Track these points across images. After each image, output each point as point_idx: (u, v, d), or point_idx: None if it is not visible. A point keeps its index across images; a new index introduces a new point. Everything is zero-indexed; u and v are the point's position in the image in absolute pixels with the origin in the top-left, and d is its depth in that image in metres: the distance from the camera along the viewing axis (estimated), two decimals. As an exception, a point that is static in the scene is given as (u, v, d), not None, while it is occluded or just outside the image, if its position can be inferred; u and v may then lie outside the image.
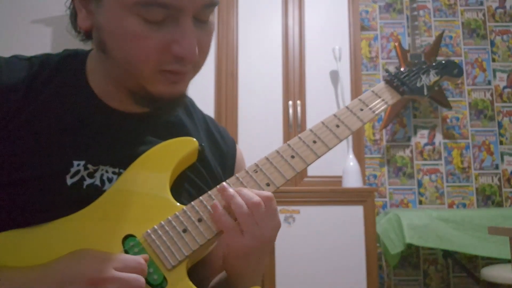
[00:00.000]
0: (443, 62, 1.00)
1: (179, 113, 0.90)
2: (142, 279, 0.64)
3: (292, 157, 0.81)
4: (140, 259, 0.66)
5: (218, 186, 0.77)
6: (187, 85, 0.79)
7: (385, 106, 0.89)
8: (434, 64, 1.00)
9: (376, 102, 0.90)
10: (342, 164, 2.60)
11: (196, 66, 0.78)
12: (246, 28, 2.89)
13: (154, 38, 0.69)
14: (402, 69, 0.96)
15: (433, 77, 0.98)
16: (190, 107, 0.95)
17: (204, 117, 0.98)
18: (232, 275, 0.80)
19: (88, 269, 0.62)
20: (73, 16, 0.79)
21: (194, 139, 0.82)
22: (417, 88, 0.95)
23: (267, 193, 0.74)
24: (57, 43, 3.09)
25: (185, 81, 0.77)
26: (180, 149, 0.80)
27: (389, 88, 0.93)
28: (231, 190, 0.73)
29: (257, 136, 2.73)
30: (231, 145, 0.98)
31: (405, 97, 0.93)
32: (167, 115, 0.86)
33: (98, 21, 0.73)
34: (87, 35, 0.81)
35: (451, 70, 1.00)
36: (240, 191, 0.73)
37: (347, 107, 0.88)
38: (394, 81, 0.94)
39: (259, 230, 0.72)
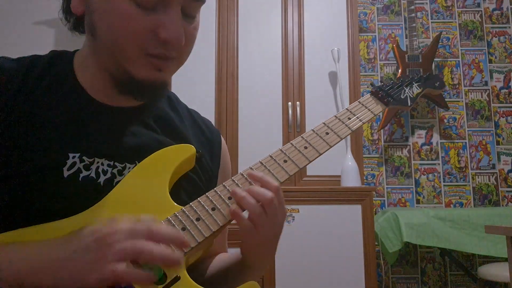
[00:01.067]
0: (425, 76, 1.06)
1: (165, 107, 0.93)
2: (148, 225, 0.66)
3: (285, 161, 0.85)
4: (152, 216, 0.71)
5: (216, 189, 0.80)
6: (169, 75, 0.82)
7: (371, 115, 0.96)
8: (416, 77, 1.05)
9: (363, 112, 0.96)
10: (340, 164, 2.62)
11: (180, 58, 0.81)
12: (246, 30, 2.91)
13: (143, 21, 0.73)
14: (387, 82, 1.02)
15: (416, 90, 1.04)
16: (174, 102, 0.98)
17: (189, 110, 1.01)
18: (247, 261, 0.86)
19: (97, 227, 0.65)
20: (66, 3, 0.83)
21: (192, 146, 0.85)
22: (401, 99, 1.02)
23: (275, 184, 0.79)
24: (59, 44, 3.11)
25: (168, 69, 0.80)
26: (178, 156, 0.83)
27: (375, 99, 1.00)
28: (242, 192, 0.78)
29: (257, 136, 2.76)
30: (216, 134, 1.02)
31: (390, 107, 0.99)
32: (149, 103, 0.89)
33: (90, 4, 0.76)
34: (76, 24, 0.85)
35: (433, 82, 1.06)
36: (252, 189, 0.78)
37: (335, 116, 0.94)
38: (379, 93, 1.00)
39: (271, 222, 0.77)
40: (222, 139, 1.04)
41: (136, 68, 0.77)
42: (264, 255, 0.85)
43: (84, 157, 0.76)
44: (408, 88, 1.03)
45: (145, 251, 0.64)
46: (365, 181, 3.44)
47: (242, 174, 0.83)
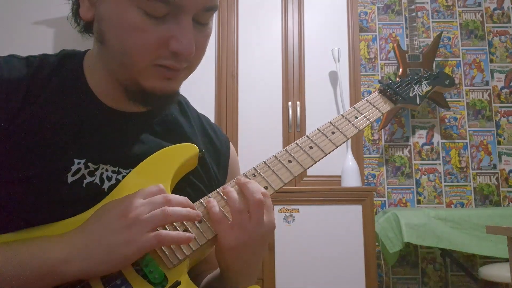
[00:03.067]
0: (435, 73, 1.04)
1: (174, 112, 0.92)
2: (165, 196, 0.71)
3: (290, 161, 0.84)
4: (157, 185, 0.73)
5: (218, 190, 0.79)
6: (180, 83, 0.81)
7: (379, 114, 0.93)
8: (426, 74, 1.03)
9: (370, 110, 0.94)
10: (341, 164, 2.62)
11: (190, 67, 0.79)
12: (247, 29, 2.91)
13: (154, 32, 0.71)
14: (397, 79, 0.99)
15: (425, 87, 1.01)
16: (184, 106, 0.96)
17: (199, 116, 1.00)
18: (224, 270, 0.82)
19: (116, 207, 0.69)
20: (75, 7, 0.81)
21: (195, 145, 0.84)
22: (409, 98, 0.99)
23: (262, 189, 0.77)
24: (59, 44, 3.09)
25: (178, 79, 0.79)
26: (181, 155, 0.82)
27: (383, 97, 0.97)
28: (230, 188, 0.77)
29: (257, 136, 2.75)
30: (225, 142, 1.00)
31: (398, 105, 0.97)
32: (159, 111, 0.88)
33: (99, 12, 0.74)
34: (86, 27, 0.83)
35: (443, 80, 1.04)
36: (247, 183, 0.76)
37: (342, 115, 0.91)
38: (387, 91, 0.98)
39: (252, 228, 0.74)
40: (231, 146, 1.02)
41: (145, 78, 0.75)
42: (241, 263, 0.80)
43: (89, 163, 0.75)
44: (417, 85, 1.01)
45: (171, 214, 0.69)
46: (365, 181, 3.44)
47: (245, 175, 0.82)
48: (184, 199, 0.73)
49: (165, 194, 0.71)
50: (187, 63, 0.77)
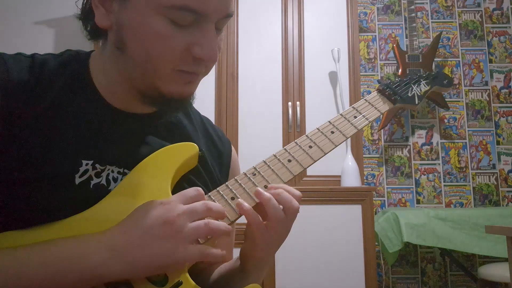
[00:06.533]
0: (434, 73, 1.05)
1: (178, 114, 0.93)
2: (206, 204, 0.72)
3: (289, 161, 0.84)
4: (196, 188, 0.74)
5: (219, 189, 0.80)
6: (196, 86, 0.82)
7: (378, 114, 0.94)
8: (424, 75, 1.04)
9: (369, 110, 0.95)
10: (340, 164, 2.61)
11: (207, 70, 0.81)
12: (247, 30, 2.90)
13: (178, 39, 0.72)
14: (396, 79, 1.00)
15: (423, 87, 1.02)
16: (188, 108, 0.97)
17: (201, 118, 1.00)
18: (247, 266, 0.85)
19: (160, 212, 0.68)
20: (87, 14, 0.81)
21: (195, 145, 0.84)
22: (408, 97, 1.00)
23: (299, 193, 0.80)
24: (59, 44, 3.09)
25: (197, 82, 0.81)
26: (181, 154, 0.82)
27: (382, 97, 0.98)
28: (266, 194, 0.77)
29: (257, 136, 2.75)
30: (227, 144, 1.01)
31: (397, 105, 0.98)
32: (173, 114, 0.89)
33: (120, 20, 0.75)
34: (97, 34, 0.83)
35: (441, 80, 1.05)
36: (280, 193, 0.78)
37: (341, 114, 0.92)
38: (386, 91, 0.98)
39: (286, 230, 0.79)
40: (233, 149, 1.03)
41: (166, 84, 0.76)
42: (266, 260, 0.85)
43: (96, 165, 0.76)
44: (416, 85, 1.02)
45: (214, 229, 0.70)
46: (365, 181, 3.44)
47: (245, 174, 0.82)
48: (220, 207, 0.74)
49: (205, 202, 0.72)
50: (206, 67, 0.79)
